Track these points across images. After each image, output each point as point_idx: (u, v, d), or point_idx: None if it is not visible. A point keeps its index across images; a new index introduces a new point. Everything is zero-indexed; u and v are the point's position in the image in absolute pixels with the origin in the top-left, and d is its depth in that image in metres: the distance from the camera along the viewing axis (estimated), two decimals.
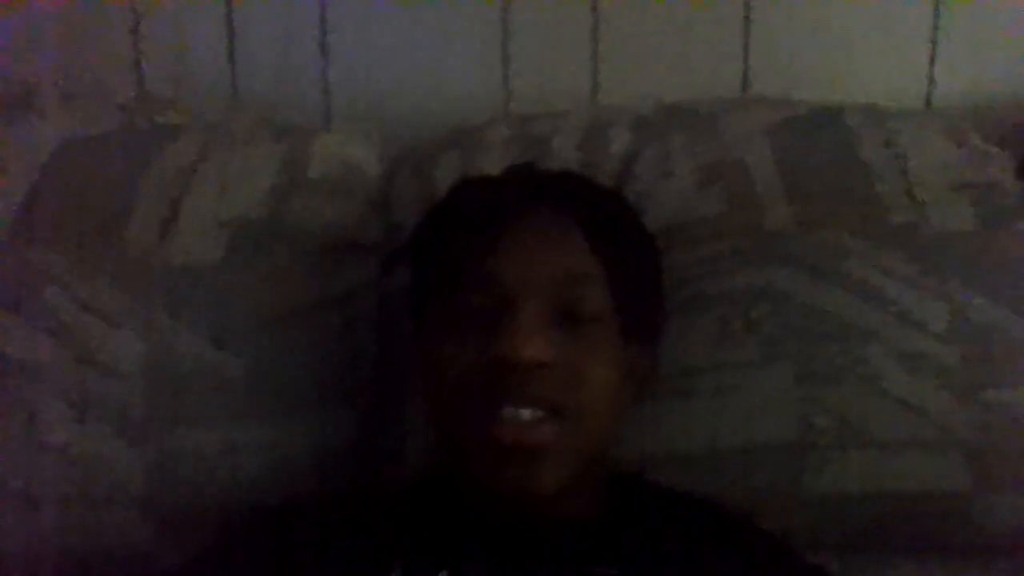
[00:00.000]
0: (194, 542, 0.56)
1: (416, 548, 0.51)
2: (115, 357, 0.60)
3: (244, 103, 0.83)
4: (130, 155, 0.67)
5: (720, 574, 0.52)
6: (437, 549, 0.51)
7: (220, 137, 0.70)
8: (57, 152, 0.66)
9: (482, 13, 0.82)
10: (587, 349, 0.52)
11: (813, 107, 0.72)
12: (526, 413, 0.50)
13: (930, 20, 0.82)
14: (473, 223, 0.54)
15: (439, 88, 0.83)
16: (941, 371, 0.62)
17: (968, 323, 0.62)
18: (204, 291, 0.63)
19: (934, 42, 0.83)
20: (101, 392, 0.60)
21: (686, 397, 0.63)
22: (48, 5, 0.80)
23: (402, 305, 0.66)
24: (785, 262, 0.64)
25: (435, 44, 0.83)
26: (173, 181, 0.66)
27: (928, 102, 0.84)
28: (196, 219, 0.64)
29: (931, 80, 0.83)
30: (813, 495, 0.61)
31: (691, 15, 0.82)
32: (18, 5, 0.80)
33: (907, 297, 0.63)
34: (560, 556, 0.51)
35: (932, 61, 0.83)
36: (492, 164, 0.69)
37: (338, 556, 0.51)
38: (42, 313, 0.60)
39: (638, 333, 0.56)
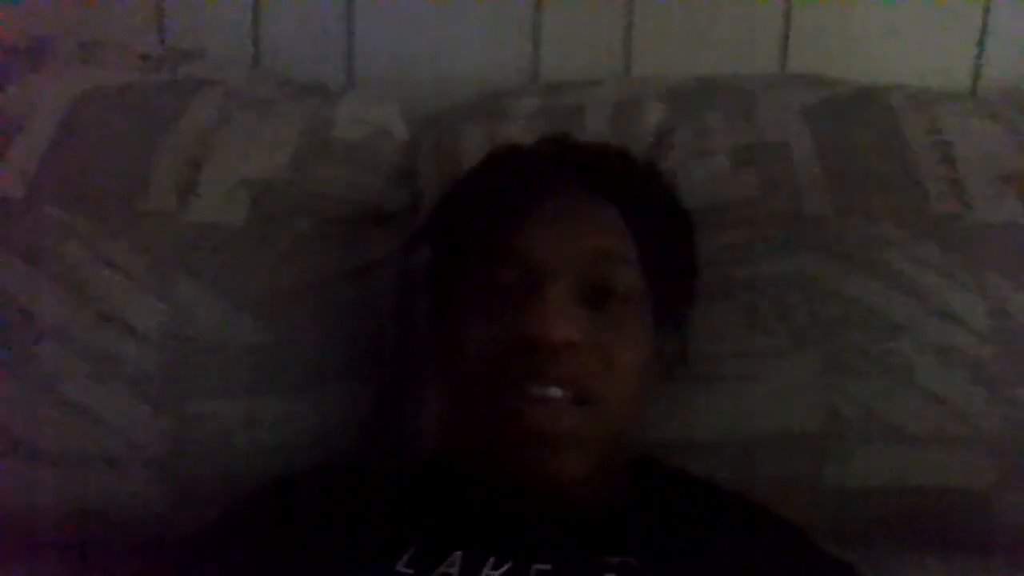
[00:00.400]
0: (206, 509, 0.55)
1: (429, 529, 0.50)
2: (136, 318, 0.59)
3: (265, 63, 0.81)
4: (151, 109, 0.66)
5: (738, 564, 0.51)
6: (450, 531, 0.50)
7: (242, 96, 0.68)
8: (77, 104, 0.65)
9: None
10: (617, 330, 0.50)
11: (855, 87, 0.70)
12: (555, 392, 0.48)
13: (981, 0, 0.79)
14: (502, 196, 0.52)
15: (466, 54, 0.81)
16: (974, 366, 0.60)
17: (1006, 318, 0.61)
18: (226, 254, 0.62)
19: (984, 22, 0.79)
20: (120, 352, 0.59)
21: (711, 383, 0.62)
22: None
23: (424, 280, 0.65)
24: (820, 249, 0.62)
25: (463, 8, 0.80)
26: (195, 141, 0.64)
27: (974, 85, 0.81)
28: (218, 179, 0.63)
29: (979, 63, 0.80)
30: (836, 486, 0.60)
31: None
32: None
33: (944, 290, 0.61)
34: (575, 543, 0.50)
35: (981, 42, 0.80)
36: (520, 134, 0.67)
37: (352, 533, 0.50)
38: (62, 269, 0.60)
39: (669, 315, 0.54)
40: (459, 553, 0.49)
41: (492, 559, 0.48)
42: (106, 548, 0.61)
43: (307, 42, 0.81)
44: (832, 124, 0.67)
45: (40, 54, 0.69)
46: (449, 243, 0.56)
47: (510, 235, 0.51)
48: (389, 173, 0.69)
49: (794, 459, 0.61)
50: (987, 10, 0.80)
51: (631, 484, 0.55)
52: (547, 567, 0.48)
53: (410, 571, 0.48)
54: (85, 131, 0.64)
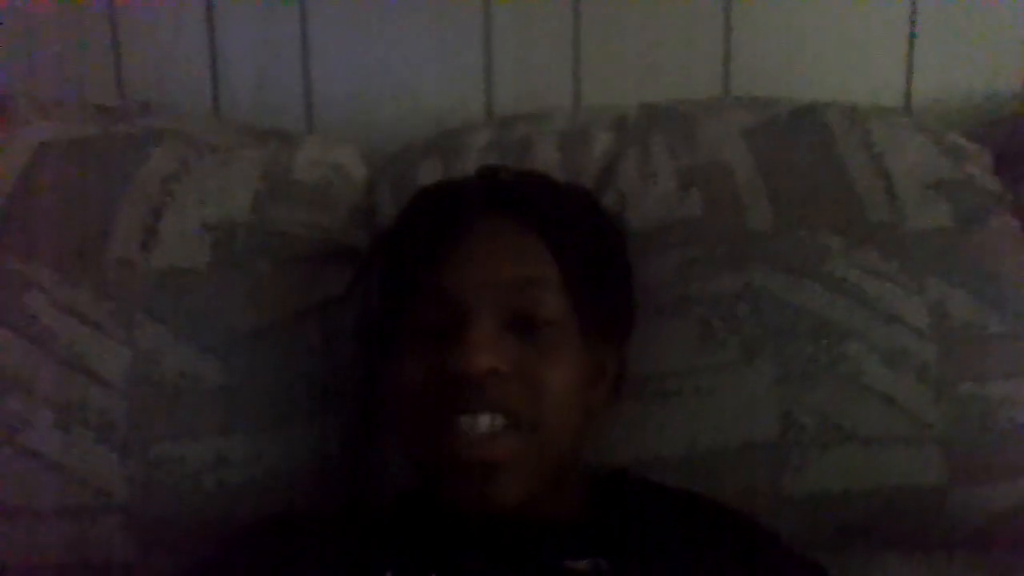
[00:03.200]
0: (176, 554, 0.56)
1: (404, 555, 0.51)
2: (100, 364, 0.60)
3: (225, 111, 0.83)
4: (111, 160, 0.67)
5: (711, 565, 0.52)
6: (425, 555, 0.51)
7: (202, 143, 0.70)
8: (37, 156, 0.66)
9: (464, 20, 0.83)
10: (544, 354, 0.52)
11: (792, 107, 0.73)
12: (484, 421, 0.50)
13: (907, 19, 0.83)
14: (426, 235, 0.54)
15: (422, 95, 0.83)
16: (920, 366, 0.62)
17: (946, 318, 0.63)
18: (187, 297, 0.63)
19: (911, 40, 0.84)
20: (85, 399, 0.60)
21: (667, 399, 0.63)
22: (27, 14, 0.80)
23: (366, 322, 0.67)
24: (765, 262, 0.64)
25: (418, 51, 0.83)
26: (156, 188, 0.65)
27: (907, 100, 0.84)
28: (180, 224, 0.64)
29: (909, 78, 0.84)
30: (796, 493, 0.62)
31: (671, 18, 0.83)
32: None
33: (886, 294, 0.63)
34: (544, 552, 0.51)
35: (910, 59, 0.84)
36: (474, 168, 0.68)
37: (328, 568, 0.51)
38: (23, 319, 0.60)
39: (601, 334, 0.55)
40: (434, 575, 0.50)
41: None
42: None
43: (265, 90, 0.83)
44: (771, 143, 0.70)
45: (0, 109, 0.70)
46: (386, 285, 0.58)
47: (435, 274, 0.52)
48: (349, 212, 0.70)
49: (754, 469, 0.62)
50: (912, 32, 0.84)
51: (597, 497, 0.56)
52: None
53: None
54: (44, 183, 0.65)
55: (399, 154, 0.75)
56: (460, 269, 0.52)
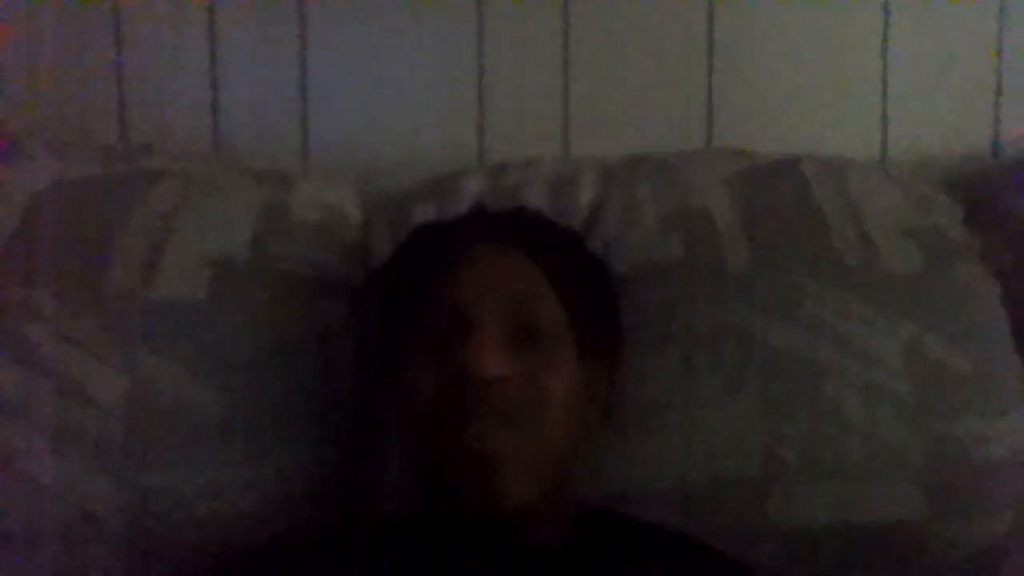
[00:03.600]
0: None
1: None
2: (96, 391, 0.61)
3: (225, 153, 0.85)
4: (113, 198, 0.69)
5: None
6: None
7: (202, 182, 0.72)
8: (43, 194, 0.68)
9: (459, 68, 0.86)
10: (544, 361, 0.55)
11: (772, 158, 0.76)
12: (491, 423, 0.53)
13: (880, 76, 0.88)
14: (432, 258, 0.58)
15: (416, 140, 0.86)
16: (896, 403, 0.64)
17: (920, 358, 0.65)
18: (186, 327, 0.64)
19: (884, 97, 0.88)
20: (81, 426, 0.60)
21: (650, 433, 0.65)
22: (33, 53, 0.82)
23: (372, 343, 0.68)
24: (744, 302, 0.66)
25: (413, 97, 0.86)
26: (156, 224, 0.68)
27: (883, 154, 0.88)
28: (179, 257, 0.66)
29: (885, 133, 0.88)
30: (779, 527, 0.63)
31: (657, 72, 0.87)
32: (2, 54, 0.82)
33: (861, 334, 0.66)
34: None
35: (884, 115, 0.88)
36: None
37: None
38: (22, 347, 0.61)
39: (593, 349, 0.58)
40: None
41: None
42: None
43: (263, 133, 0.85)
44: (751, 190, 0.73)
45: (9, 149, 0.72)
46: (390, 306, 0.61)
47: (441, 289, 0.56)
48: (345, 251, 0.72)
49: (738, 502, 0.63)
50: (884, 90, 0.88)
51: (582, 530, 0.58)
52: None
53: None
54: (49, 219, 0.67)
55: (395, 197, 0.77)
56: (464, 282, 0.56)
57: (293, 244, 0.70)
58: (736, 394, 0.64)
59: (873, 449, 0.64)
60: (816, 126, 0.87)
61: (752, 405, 0.64)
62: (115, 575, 0.60)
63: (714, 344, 0.65)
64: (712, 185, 0.73)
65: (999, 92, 0.88)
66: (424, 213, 0.74)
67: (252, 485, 0.63)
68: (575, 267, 0.60)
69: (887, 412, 0.64)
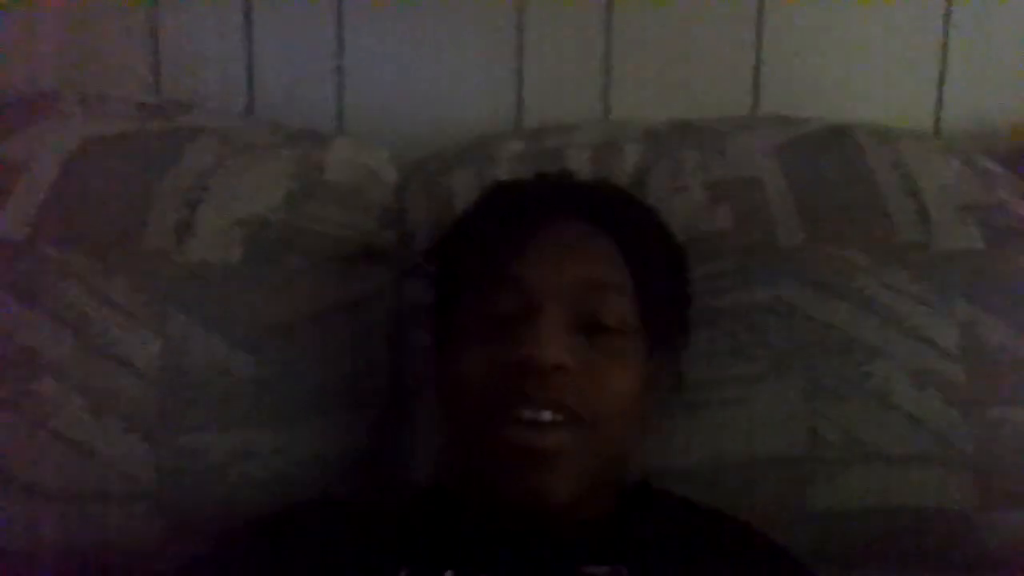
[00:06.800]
0: (200, 542, 0.56)
1: (422, 552, 0.51)
2: (132, 353, 0.61)
3: (259, 114, 0.84)
4: (148, 156, 0.68)
5: None
6: (442, 553, 0.51)
7: (237, 141, 0.71)
8: (78, 151, 0.67)
9: (496, 30, 0.83)
10: (608, 358, 0.52)
11: (823, 126, 0.74)
12: (545, 415, 0.50)
13: (940, 41, 0.84)
14: (503, 227, 0.54)
15: (452, 103, 0.84)
16: (948, 387, 0.62)
17: (975, 341, 0.63)
18: (220, 291, 0.63)
19: (943, 62, 0.84)
20: (117, 388, 0.60)
21: (694, 410, 0.63)
22: (65, 15, 0.81)
23: (416, 314, 0.67)
24: (795, 277, 0.64)
25: (449, 59, 0.84)
26: (191, 183, 0.66)
27: (937, 122, 0.85)
28: (213, 220, 0.65)
29: (940, 100, 0.85)
30: (818, 509, 0.62)
31: (702, 33, 0.84)
32: (36, 14, 0.81)
33: (915, 314, 0.63)
34: (564, 556, 0.51)
35: (941, 81, 0.84)
36: (506, 176, 0.69)
37: (343, 561, 0.51)
38: (61, 307, 0.61)
39: (662, 345, 0.56)
40: (450, 572, 0.50)
41: None
42: None
43: (298, 92, 0.84)
44: (802, 160, 0.70)
45: (43, 105, 0.71)
46: (451, 272, 0.58)
47: (508, 264, 0.53)
48: (379, 213, 0.71)
49: (779, 483, 0.62)
50: (944, 58, 0.84)
51: (624, 504, 0.57)
52: None
53: None
54: (85, 176, 0.66)
55: (431, 160, 0.76)
56: (536, 262, 0.53)
57: (327, 206, 0.69)
58: (780, 372, 0.63)
59: (921, 434, 0.62)
60: (866, 94, 0.84)
61: (797, 384, 0.62)
62: (150, 535, 0.61)
63: (761, 320, 0.63)
64: (762, 153, 0.70)
65: None
66: (462, 177, 0.72)
67: (283, 449, 0.63)
68: (656, 255, 0.57)
69: (938, 397, 0.62)
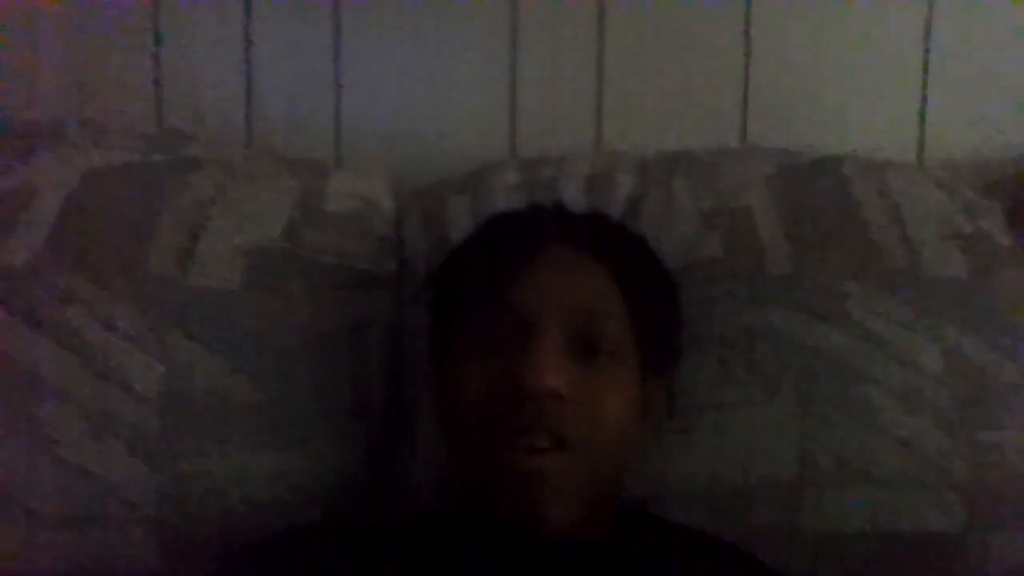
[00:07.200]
0: (200, 566, 0.57)
1: (421, 575, 0.52)
2: (134, 378, 0.61)
3: (258, 144, 0.85)
4: (152, 185, 0.69)
5: None
6: (440, 574, 0.52)
7: (238, 172, 0.72)
8: (84, 180, 0.68)
9: (490, 59, 0.85)
10: (603, 383, 0.54)
11: (811, 157, 0.75)
12: (542, 441, 0.51)
13: (919, 73, 0.86)
14: (500, 254, 0.56)
15: (448, 132, 0.86)
16: (936, 411, 0.63)
17: (962, 365, 0.64)
18: (221, 317, 0.64)
19: (923, 94, 0.86)
20: (118, 412, 0.61)
21: (686, 434, 0.64)
22: (69, 46, 0.83)
23: (415, 339, 0.68)
24: (784, 304, 0.66)
25: (445, 90, 0.86)
26: (193, 212, 0.68)
27: (919, 152, 0.87)
28: (215, 246, 0.66)
29: (922, 133, 0.87)
30: (811, 532, 0.62)
31: (692, 65, 0.86)
32: (41, 45, 0.83)
33: (903, 339, 0.65)
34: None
35: (922, 114, 0.87)
36: (501, 206, 0.71)
37: None
38: (64, 332, 0.62)
39: (656, 370, 0.57)
40: None
41: None
42: None
43: (297, 125, 0.86)
44: (791, 189, 0.72)
45: (48, 136, 0.72)
46: (448, 299, 0.60)
47: (505, 290, 0.54)
48: (377, 241, 0.72)
49: (771, 507, 0.63)
50: (924, 88, 0.87)
51: (619, 529, 0.57)
52: None
53: None
54: (90, 205, 0.67)
55: (428, 190, 0.77)
56: (532, 287, 0.54)
57: (326, 234, 0.70)
58: (772, 397, 0.64)
59: (911, 456, 0.63)
60: (851, 125, 0.86)
61: (788, 408, 0.63)
62: (151, 559, 0.61)
63: (752, 346, 0.65)
64: (752, 183, 0.72)
65: None
66: (458, 205, 0.73)
67: (284, 473, 0.63)
68: (649, 281, 0.58)
69: (926, 419, 0.63)
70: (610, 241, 0.58)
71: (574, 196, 0.72)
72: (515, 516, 0.51)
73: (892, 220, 0.70)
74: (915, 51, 0.86)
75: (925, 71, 0.86)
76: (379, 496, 0.67)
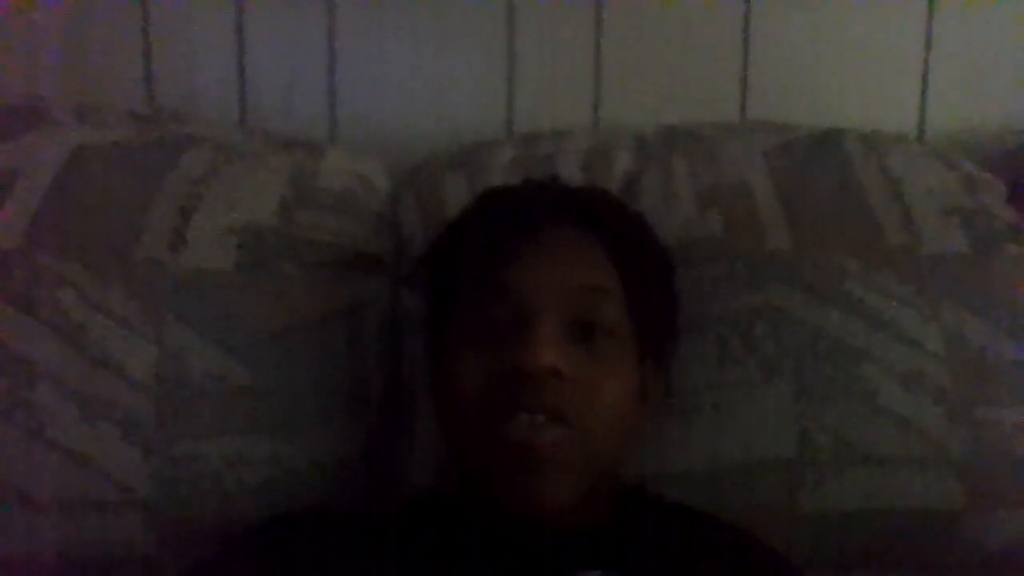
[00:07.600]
0: (195, 551, 0.56)
1: (418, 559, 0.52)
2: (127, 361, 0.61)
3: (252, 122, 0.84)
4: (142, 164, 0.68)
5: None
6: (439, 559, 0.52)
7: (231, 150, 0.71)
8: (71, 159, 0.67)
9: (487, 35, 0.84)
10: (601, 363, 0.53)
11: (811, 132, 0.74)
12: (539, 419, 0.51)
13: (922, 48, 0.85)
14: (495, 234, 0.55)
15: (443, 110, 0.85)
16: (935, 389, 0.63)
17: (961, 343, 0.64)
18: (214, 298, 0.63)
19: (926, 69, 0.85)
20: (111, 396, 0.60)
21: (685, 415, 0.64)
22: (58, 22, 0.82)
23: (412, 321, 0.67)
24: (784, 282, 0.65)
25: (440, 66, 0.84)
26: (185, 191, 0.67)
27: (920, 127, 0.86)
28: (207, 227, 0.65)
29: (923, 107, 0.86)
30: (810, 512, 0.62)
31: (691, 39, 0.84)
32: (30, 21, 0.81)
33: (902, 317, 0.64)
34: (559, 560, 0.51)
35: (924, 89, 0.86)
36: (497, 183, 0.70)
37: (340, 569, 0.52)
38: (55, 315, 0.61)
39: (652, 352, 0.57)
40: None
41: None
42: None
43: (291, 106, 0.84)
44: (790, 166, 0.71)
45: (37, 114, 0.71)
46: (444, 281, 0.59)
47: (501, 272, 0.54)
48: (372, 221, 0.71)
49: (769, 486, 0.63)
50: (927, 63, 0.86)
51: (616, 509, 0.57)
52: None
53: None
54: (79, 184, 0.66)
55: (423, 167, 0.76)
56: (528, 269, 0.53)
57: (320, 213, 0.69)
58: (770, 377, 0.63)
59: (910, 435, 0.62)
60: (852, 100, 0.85)
61: (787, 388, 0.63)
62: (145, 543, 0.60)
63: (750, 325, 0.64)
64: (751, 159, 0.71)
65: None
66: (454, 183, 0.73)
67: (279, 457, 0.63)
68: (645, 259, 0.58)
69: (926, 399, 0.63)
70: (605, 217, 0.57)
71: (571, 172, 0.71)
72: (513, 493, 0.51)
73: (892, 196, 0.69)
74: (917, 26, 0.84)
75: (927, 47, 0.85)
76: (376, 480, 0.66)
